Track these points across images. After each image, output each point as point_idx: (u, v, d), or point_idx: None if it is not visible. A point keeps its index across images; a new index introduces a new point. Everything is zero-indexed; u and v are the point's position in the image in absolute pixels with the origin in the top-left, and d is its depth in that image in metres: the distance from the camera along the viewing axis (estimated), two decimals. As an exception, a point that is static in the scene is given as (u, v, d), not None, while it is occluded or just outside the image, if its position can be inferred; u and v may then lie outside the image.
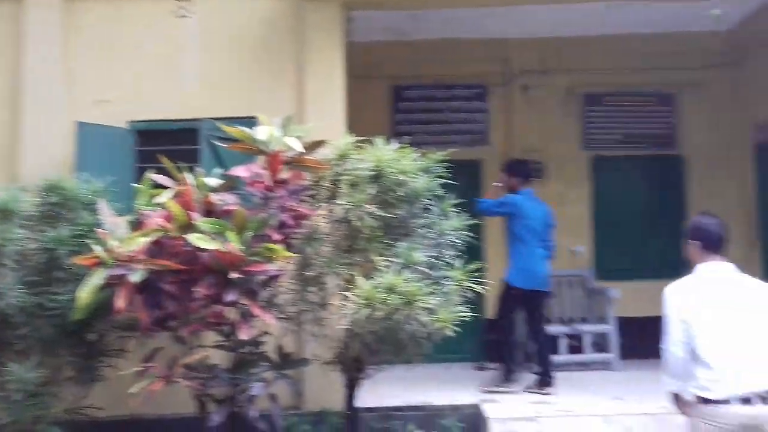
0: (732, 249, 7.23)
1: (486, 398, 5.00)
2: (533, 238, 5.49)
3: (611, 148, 7.25)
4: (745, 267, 7.17)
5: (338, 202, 3.63)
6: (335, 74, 5.06)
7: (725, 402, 2.85)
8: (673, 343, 3.02)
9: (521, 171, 5.71)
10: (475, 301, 5.85)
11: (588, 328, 6.49)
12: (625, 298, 6.49)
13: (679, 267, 7.50)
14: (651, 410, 4.44)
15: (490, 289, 6.76)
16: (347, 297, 3.41)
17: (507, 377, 5.43)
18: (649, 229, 7.12)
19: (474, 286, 3.56)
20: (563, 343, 6.30)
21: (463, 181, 7.07)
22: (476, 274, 3.65)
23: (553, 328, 6.44)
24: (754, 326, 2.95)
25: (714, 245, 3.15)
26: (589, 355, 6.29)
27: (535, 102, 7.19)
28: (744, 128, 6.94)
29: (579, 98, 7.28)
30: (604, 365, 6.26)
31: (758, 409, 2.81)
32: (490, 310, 6.92)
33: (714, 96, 7.19)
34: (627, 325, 6.46)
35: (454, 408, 4.83)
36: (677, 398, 3.12)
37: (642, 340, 6.87)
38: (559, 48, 7.04)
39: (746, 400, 2.83)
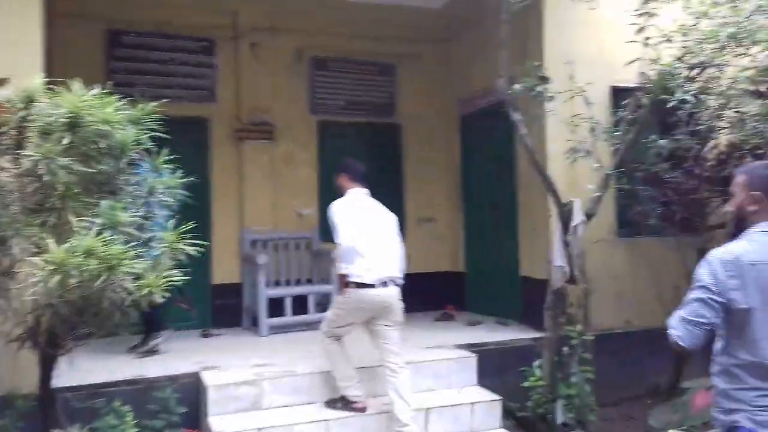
0: (439, 210, 7.96)
1: (207, 366, 4.82)
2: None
3: (336, 113, 7.45)
4: (450, 225, 7.84)
5: (25, 152, 3.11)
6: (29, 9, 4.32)
7: (372, 285, 4.13)
8: (344, 238, 4.17)
9: None
10: (200, 266, 5.67)
11: (312, 289, 6.64)
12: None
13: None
14: (366, 363, 4.68)
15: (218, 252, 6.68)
16: (37, 263, 2.94)
17: (149, 340, 5.37)
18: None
19: (187, 248, 3.30)
20: (288, 305, 6.35)
21: (189, 138, 6.75)
22: (192, 235, 3.41)
23: (278, 291, 6.47)
24: (383, 232, 4.34)
25: (356, 177, 4.49)
26: (312, 315, 6.43)
27: (265, 61, 7.05)
28: (452, 101, 7.62)
29: (307, 61, 7.32)
30: (327, 323, 6.46)
31: (390, 290, 4.22)
32: (220, 275, 6.77)
33: (429, 69, 7.77)
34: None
35: (172, 379, 4.57)
36: (343, 279, 4.24)
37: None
38: (287, 7, 6.95)
39: (384, 284, 4.18)
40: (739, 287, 2.23)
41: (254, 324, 6.40)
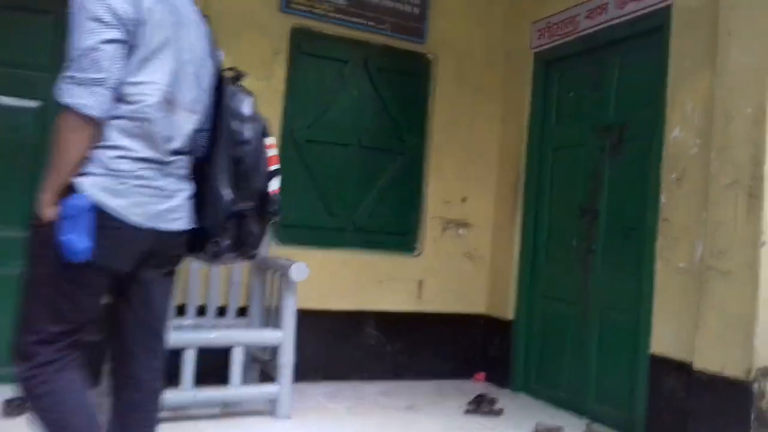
0: (480, 208, 4.62)
1: None
2: None
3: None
4: (495, 236, 4.46)
5: None
6: None
7: None
8: None
9: None
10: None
11: None
12: None
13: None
14: None
15: None
16: None
17: None
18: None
19: None
20: None
21: None
22: None
23: None
24: None
25: None
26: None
27: None
28: (523, 24, 4.50)
29: None
30: None
31: None
32: None
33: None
34: None
35: None
36: None
37: None
38: None
39: None
40: (140, 24, 1.66)
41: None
